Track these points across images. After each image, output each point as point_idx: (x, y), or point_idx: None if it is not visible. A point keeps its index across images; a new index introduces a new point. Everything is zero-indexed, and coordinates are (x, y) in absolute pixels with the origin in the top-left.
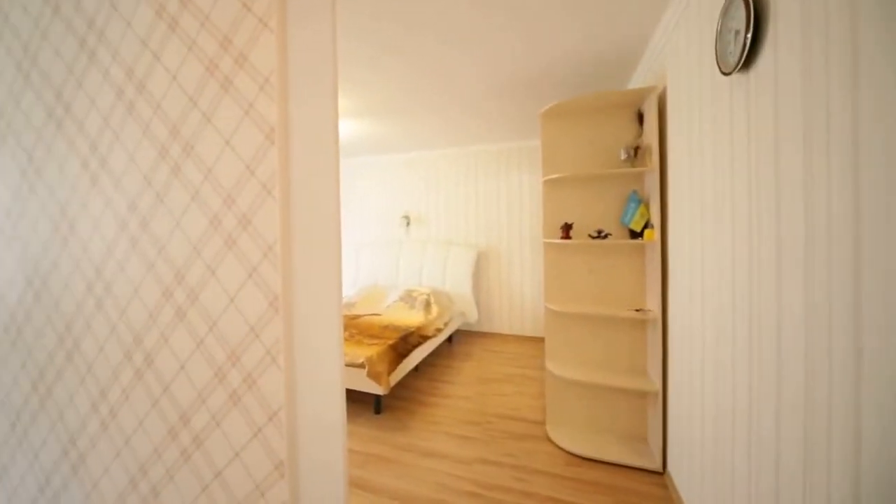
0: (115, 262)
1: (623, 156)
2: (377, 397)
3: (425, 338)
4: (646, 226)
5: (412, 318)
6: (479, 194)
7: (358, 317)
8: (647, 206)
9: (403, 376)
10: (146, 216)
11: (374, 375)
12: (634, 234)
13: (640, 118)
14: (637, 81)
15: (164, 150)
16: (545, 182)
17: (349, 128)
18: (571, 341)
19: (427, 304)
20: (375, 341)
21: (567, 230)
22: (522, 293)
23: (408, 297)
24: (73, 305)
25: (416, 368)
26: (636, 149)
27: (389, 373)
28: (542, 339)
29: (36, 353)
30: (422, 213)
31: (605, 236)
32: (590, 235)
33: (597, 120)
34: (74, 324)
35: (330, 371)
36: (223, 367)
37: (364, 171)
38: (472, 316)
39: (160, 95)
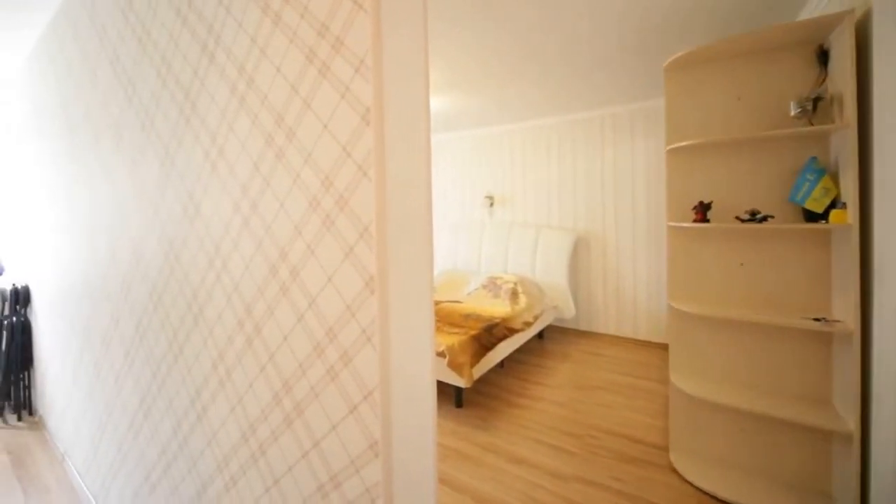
0: (230, 240)
1: (794, 111)
2: (458, 390)
3: (512, 331)
4: (832, 204)
5: (497, 308)
6: (578, 170)
7: (437, 303)
8: (833, 178)
9: (487, 371)
10: (255, 199)
11: (455, 366)
12: (812, 217)
13: (823, 58)
14: (812, 9)
15: (270, 138)
16: (670, 151)
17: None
18: (708, 352)
19: (514, 294)
20: (456, 330)
21: (703, 211)
22: (635, 288)
23: (491, 285)
24: (198, 277)
25: (502, 364)
26: (816, 100)
27: (472, 365)
28: (662, 346)
29: (172, 316)
30: (507, 193)
31: (764, 219)
32: (738, 218)
33: (751, 67)
34: (199, 293)
35: (422, 355)
36: (321, 342)
37: (442, 148)
38: (568, 311)
39: (266, 87)
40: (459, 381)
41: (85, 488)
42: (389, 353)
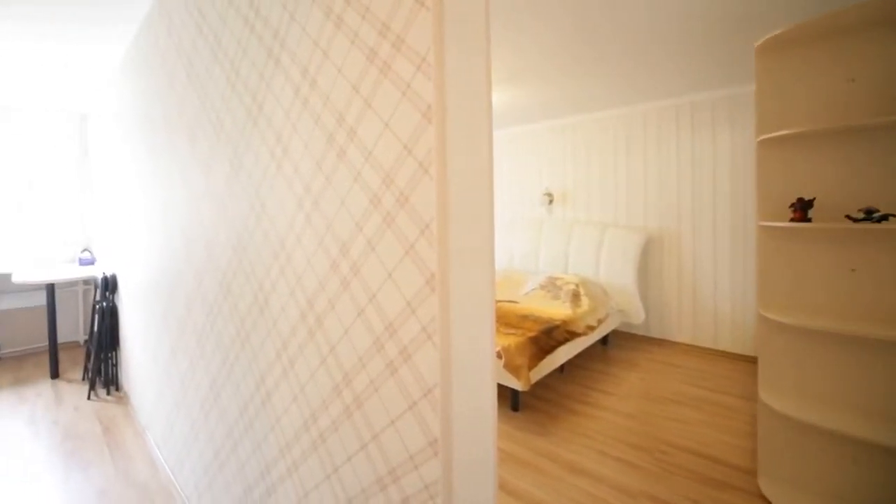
0: (294, 236)
1: None
2: (514, 393)
3: (573, 334)
4: None
5: (556, 309)
6: (648, 164)
7: None
8: None
9: (545, 375)
10: (317, 196)
11: (512, 368)
12: None
13: None
14: None
15: (332, 137)
16: (761, 143)
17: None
18: (808, 368)
19: (575, 296)
20: (513, 331)
21: (802, 209)
22: (715, 293)
23: (550, 286)
24: (263, 270)
25: (562, 369)
26: None
27: (530, 368)
28: (747, 359)
29: (239, 307)
30: (568, 190)
31: (884, 218)
32: (850, 217)
33: (867, 44)
34: (264, 285)
35: (483, 355)
36: (381, 337)
37: (498, 144)
38: (637, 315)
39: (328, 88)
40: (516, 384)
41: (162, 460)
42: (450, 352)
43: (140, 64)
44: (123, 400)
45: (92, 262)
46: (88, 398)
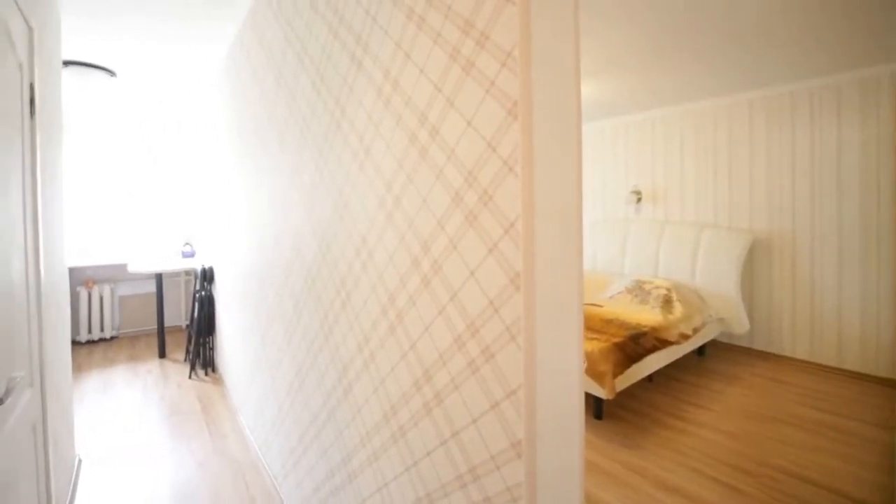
0: (375, 234)
1: None
2: (598, 400)
3: (664, 343)
4: None
5: (645, 315)
6: (755, 159)
7: None
8: None
9: (632, 384)
10: (399, 195)
11: (595, 375)
12: None
13: None
14: None
15: (414, 137)
16: None
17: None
18: None
19: (667, 302)
20: (596, 336)
21: None
22: (840, 304)
23: (638, 290)
24: (346, 266)
25: (650, 378)
26: None
27: (615, 375)
28: (883, 381)
29: (323, 300)
30: (658, 188)
31: None
32: None
33: None
34: (347, 280)
35: (570, 359)
36: (462, 335)
37: (583, 139)
38: (740, 325)
39: (410, 89)
40: (599, 392)
41: (252, 439)
42: (535, 354)
43: (234, 72)
44: (219, 381)
45: (192, 255)
46: (189, 377)
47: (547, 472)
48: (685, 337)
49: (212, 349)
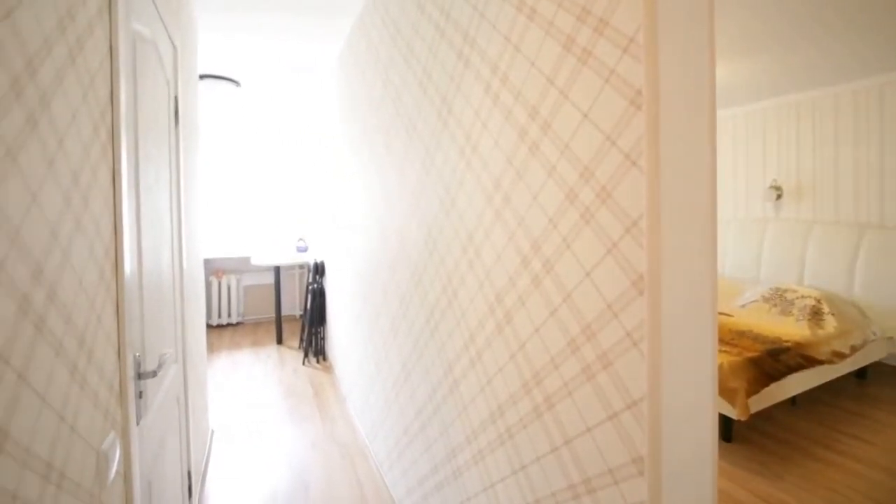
0: (482, 231)
1: None
2: (727, 420)
3: (812, 361)
4: None
5: (787, 328)
6: None
7: None
8: None
9: (770, 405)
10: (508, 192)
11: (724, 392)
12: None
13: None
14: None
15: (524, 132)
16: None
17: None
18: None
19: (815, 314)
20: (726, 348)
21: None
22: None
23: (777, 298)
24: (453, 263)
25: (794, 401)
26: None
27: (749, 394)
28: None
29: (429, 296)
30: (804, 182)
31: None
32: None
33: None
34: (453, 277)
35: (701, 370)
36: (576, 339)
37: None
38: None
39: (520, 83)
40: (729, 411)
41: (359, 426)
42: (660, 363)
43: (343, 75)
44: (329, 369)
45: (305, 250)
46: (303, 363)
47: (674, 494)
48: (840, 356)
49: (322, 338)
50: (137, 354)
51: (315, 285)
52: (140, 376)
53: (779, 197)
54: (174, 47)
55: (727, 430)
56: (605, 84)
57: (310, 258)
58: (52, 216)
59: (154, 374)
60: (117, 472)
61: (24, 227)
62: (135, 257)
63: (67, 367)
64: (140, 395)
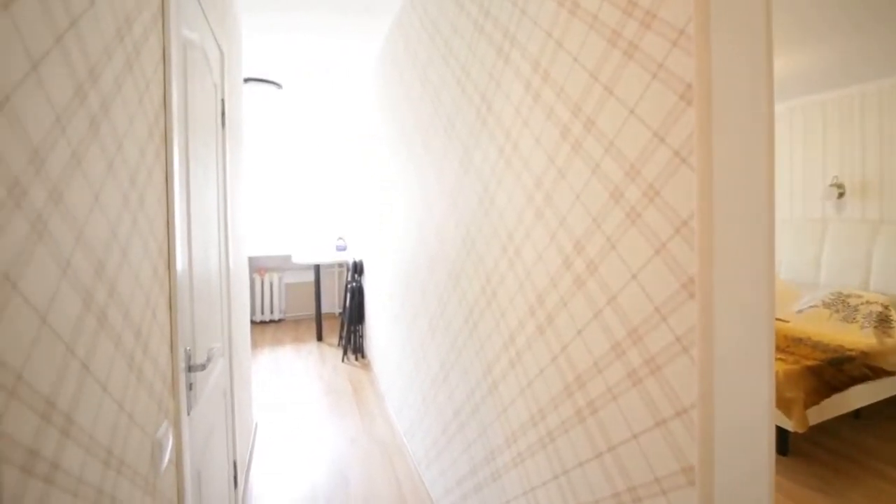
0: (523, 230)
1: None
2: (783, 432)
3: (879, 372)
4: None
5: (850, 336)
6: None
7: None
8: None
9: (832, 418)
10: (549, 191)
11: (780, 402)
12: None
13: None
14: None
15: (566, 130)
16: None
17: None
18: None
19: (883, 321)
20: (782, 356)
21: None
22: None
23: (839, 304)
24: (492, 262)
25: (858, 414)
26: None
27: (807, 405)
28: None
29: (468, 295)
30: (869, 180)
31: None
32: None
33: None
34: (492, 277)
35: (757, 378)
36: (621, 343)
37: None
38: None
39: (562, 80)
40: (785, 422)
41: (398, 425)
42: (712, 370)
43: (380, 77)
44: (367, 367)
45: (344, 249)
46: (342, 361)
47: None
48: None
49: (361, 336)
50: (188, 348)
51: (354, 284)
52: (190, 369)
53: (841, 195)
54: (221, 52)
55: (783, 442)
56: (653, 79)
57: (349, 257)
58: (111, 216)
59: (203, 367)
60: (170, 460)
61: (87, 227)
62: (185, 255)
63: (126, 359)
64: (190, 386)
